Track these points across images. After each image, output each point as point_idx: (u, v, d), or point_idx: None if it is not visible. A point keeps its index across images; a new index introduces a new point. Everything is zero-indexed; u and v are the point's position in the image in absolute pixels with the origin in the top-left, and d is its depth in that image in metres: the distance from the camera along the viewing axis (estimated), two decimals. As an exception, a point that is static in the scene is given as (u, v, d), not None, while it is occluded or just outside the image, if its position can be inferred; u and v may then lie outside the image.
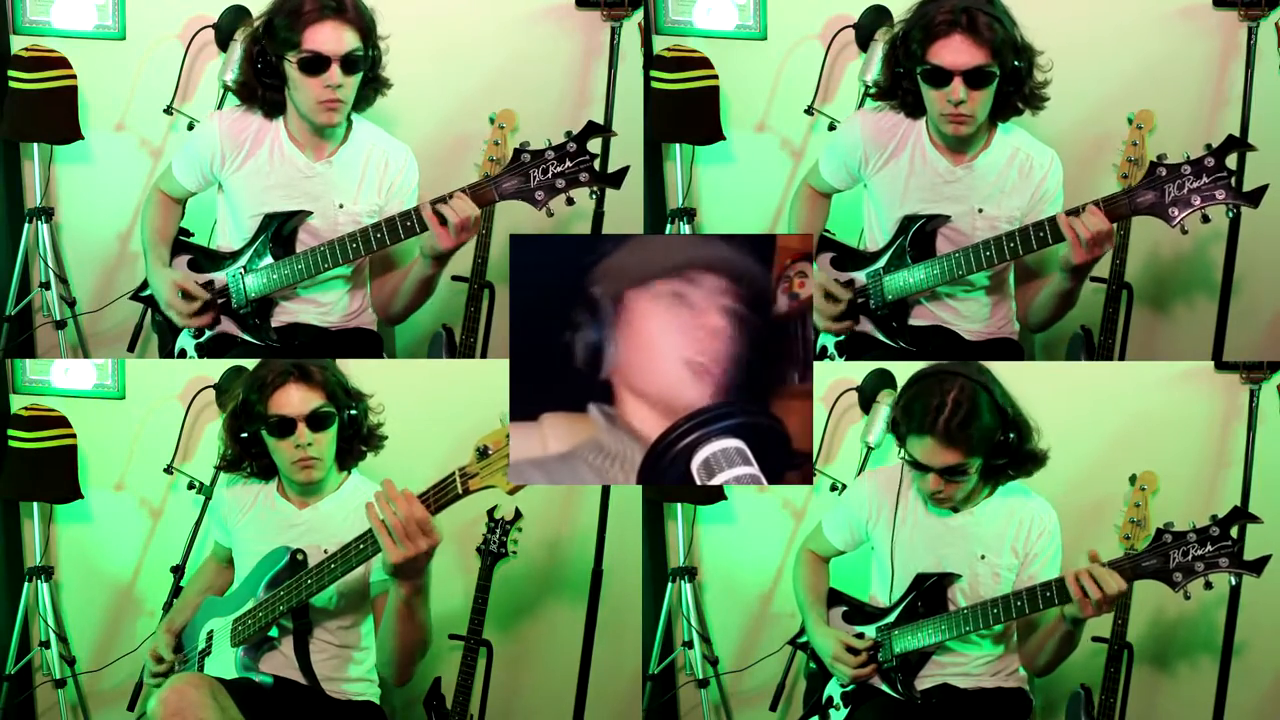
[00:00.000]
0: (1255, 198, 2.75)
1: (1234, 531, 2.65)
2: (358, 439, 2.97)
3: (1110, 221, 2.79)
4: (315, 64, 2.93)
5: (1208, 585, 2.67)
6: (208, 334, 3.11)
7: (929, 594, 2.91)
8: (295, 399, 2.88)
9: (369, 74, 3.02)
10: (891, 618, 2.95)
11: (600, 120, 3.35)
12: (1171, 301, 3.48)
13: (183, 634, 3.07)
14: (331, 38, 2.93)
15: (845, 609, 3.05)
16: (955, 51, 2.86)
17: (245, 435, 2.93)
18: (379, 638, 2.84)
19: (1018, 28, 2.90)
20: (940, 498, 2.84)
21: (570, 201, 2.85)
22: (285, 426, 2.88)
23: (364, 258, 3.03)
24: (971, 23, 2.85)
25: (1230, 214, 2.79)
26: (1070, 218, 2.80)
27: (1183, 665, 3.35)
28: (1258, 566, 2.68)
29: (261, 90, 3.02)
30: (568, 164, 2.84)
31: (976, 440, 2.77)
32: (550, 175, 2.84)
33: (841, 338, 3.12)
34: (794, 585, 3.18)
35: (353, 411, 2.94)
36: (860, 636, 2.98)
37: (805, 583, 3.14)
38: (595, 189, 2.86)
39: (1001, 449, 2.81)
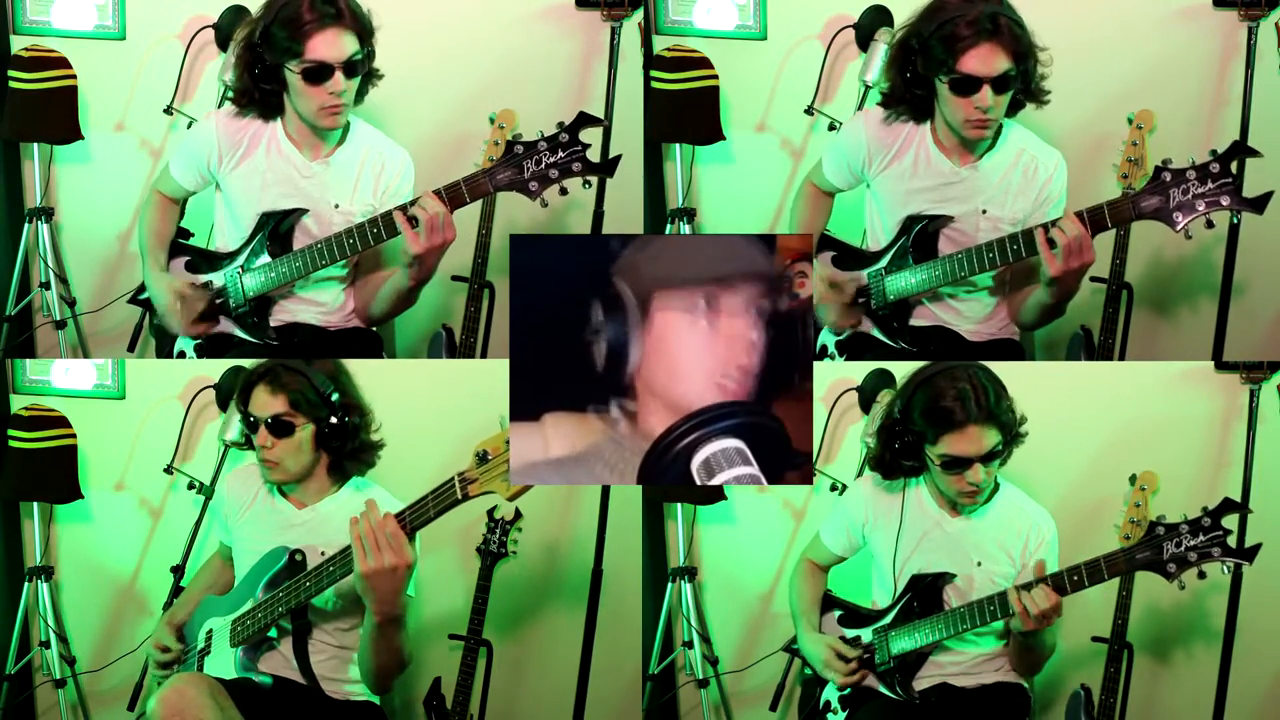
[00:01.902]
0: (1261, 204, 2.73)
1: (1231, 524, 2.67)
2: (344, 454, 2.93)
3: (1086, 229, 2.76)
4: (319, 73, 2.92)
5: (1201, 575, 2.69)
6: (207, 333, 3.11)
7: (924, 595, 2.91)
8: (260, 401, 2.88)
9: (364, 72, 3.02)
10: (888, 619, 2.95)
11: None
12: (1172, 301, 3.48)
13: (184, 630, 3.07)
14: (333, 45, 2.92)
15: (840, 613, 3.05)
16: (984, 59, 2.84)
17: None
18: (359, 648, 2.84)
19: (1027, 28, 2.90)
20: (977, 488, 2.83)
21: (564, 191, 2.85)
22: (253, 424, 2.89)
23: (359, 255, 3.02)
24: (997, 30, 2.83)
25: (1236, 220, 2.77)
26: (1050, 227, 2.80)
27: (1181, 658, 3.35)
28: (1249, 554, 2.69)
29: (259, 95, 3.01)
30: (560, 154, 2.83)
31: (1004, 416, 2.79)
32: (544, 166, 2.83)
33: (844, 335, 3.12)
34: (789, 594, 3.18)
35: (333, 421, 2.91)
36: (856, 640, 2.98)
37: (799, 591, 3.14)
38: (589, 179, 2.85)
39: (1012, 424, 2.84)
